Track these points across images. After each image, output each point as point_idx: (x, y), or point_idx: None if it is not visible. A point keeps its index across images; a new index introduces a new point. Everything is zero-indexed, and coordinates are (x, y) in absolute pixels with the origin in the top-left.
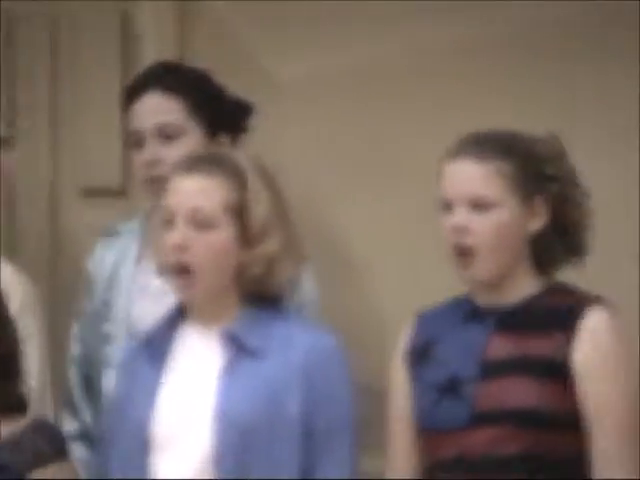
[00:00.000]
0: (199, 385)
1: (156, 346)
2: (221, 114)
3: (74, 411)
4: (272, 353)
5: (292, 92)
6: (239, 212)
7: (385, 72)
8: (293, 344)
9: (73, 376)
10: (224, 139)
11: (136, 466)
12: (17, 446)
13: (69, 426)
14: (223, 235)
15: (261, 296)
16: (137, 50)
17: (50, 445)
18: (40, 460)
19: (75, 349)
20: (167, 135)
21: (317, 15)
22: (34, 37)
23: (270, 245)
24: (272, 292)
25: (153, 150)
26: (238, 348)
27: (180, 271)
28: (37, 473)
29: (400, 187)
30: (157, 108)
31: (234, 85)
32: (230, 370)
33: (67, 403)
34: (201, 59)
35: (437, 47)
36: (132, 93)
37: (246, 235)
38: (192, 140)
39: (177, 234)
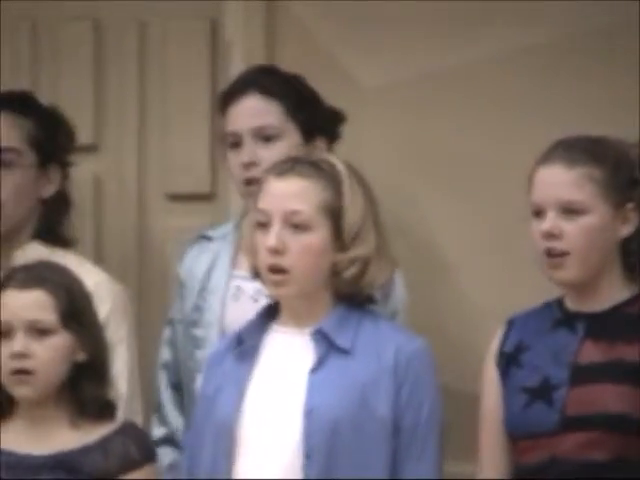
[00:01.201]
0: (289, 383)
1: (246, 345)
2: (317, 118)
3: (163, 416)
4: (362, 353)
5: (376, 97)
6: (334, 215)
7: (469, 76)
8: (383, 345)
9: (162, 381)
10: (320, 143)
11: (224, 464)
12: (106, 450)
13: (157, 431)
14: (318, 237)
15: (353, 298)
16: (226, 56)
17: (138, 449)
18: (128, 464)
19: (165, 354)
20: (265, 137)
21: (401, 20)
22: (123, 43)
23: (364, 248)
24: (364, 294)
25: (251, 151)
26: (328, 347)
27: (276, 271)
28: (125, 477)
29: (486, 190)
30: (256, 110)
31: (320, 90)
32: (320, 368)
33: (156, 408)
34: (288, 65)
35: (519, 52)
36: (230, 96)
37: (341, 238)
38: (290, 142)
39: (273, 237)
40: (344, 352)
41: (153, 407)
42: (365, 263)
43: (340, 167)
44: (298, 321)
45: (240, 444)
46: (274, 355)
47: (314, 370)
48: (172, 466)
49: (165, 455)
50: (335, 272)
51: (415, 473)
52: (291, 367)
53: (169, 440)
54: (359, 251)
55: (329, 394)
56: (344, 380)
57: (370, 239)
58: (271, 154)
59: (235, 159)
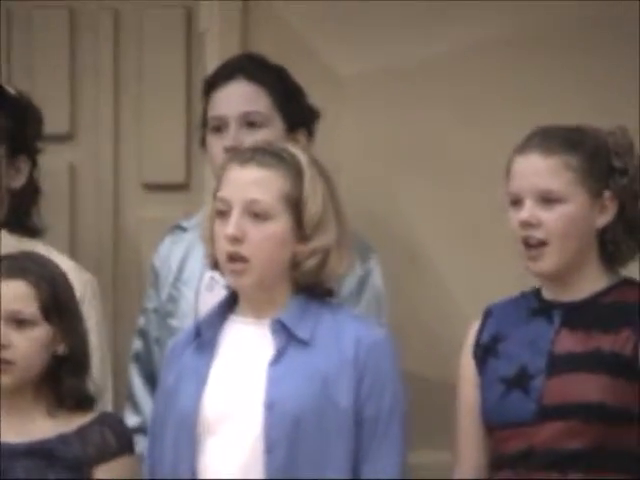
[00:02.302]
0: (249, 374)
1: (206, 335)
2: (301, 111)
3: (135, 405)
4: (322, 344)
5: (352, 87)
6: (295, 205)
7: (445, 68)
8: (343, 335)
9: (135, 371)
10: (301, 137)
11: (186, 457)
12: (84, 439)
13: (130, 420)
14: (279, 227)
15: (313, 289)
16: (201, 45)
17: (116, 439)
18: (106, 453)
19: (138, 344)
20: (252, 123)
21: (378, 13)
22: (98, 33)
23: (324, 239)
24: (323, 285)
25: (236, 136)
26: (288, 338)
27: (235, 260)
28: (103, 466)
29: (463, 181)
30: (244, 96)
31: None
32: (280, 359)
33: (129, 397)
34: (263, 54)
35: (497, 42)
36: (217, 80)
37: (301, 228)
38: (274, 132)
39: (233, 225)
40: (304, 343)
41: (126, 396)
42: (325, 254)
43: (301, 157)
44: (257, 312)
45: (202, 437)
46: (233, 347)
47: (274, 362)
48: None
49: (138, 444)
50: (295, 263)
51: (378, 465)
52: (250, 359)
53: (142, 429)
54: (319, 242)
55: (290, 386)
56: (305, 372)
57: (331, 230)
58: (255, 141)
59: (217, 143)
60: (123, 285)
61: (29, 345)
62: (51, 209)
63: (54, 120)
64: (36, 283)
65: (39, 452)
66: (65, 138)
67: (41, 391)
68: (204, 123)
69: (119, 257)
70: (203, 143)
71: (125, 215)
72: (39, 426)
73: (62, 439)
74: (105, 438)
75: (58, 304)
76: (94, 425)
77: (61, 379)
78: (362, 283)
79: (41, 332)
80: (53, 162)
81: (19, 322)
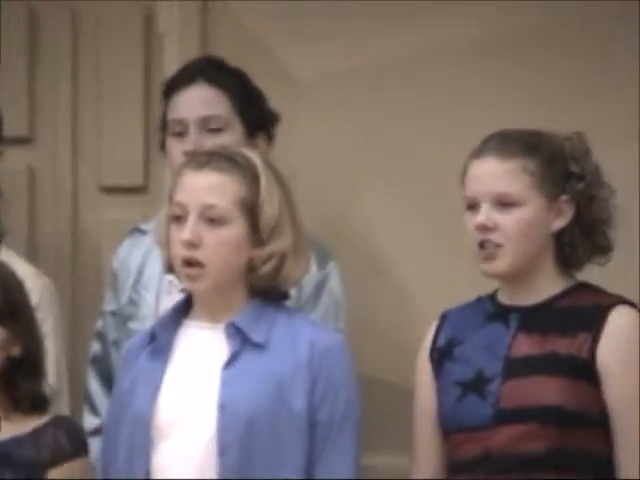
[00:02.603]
0: (203, 377)
1: (161, 339)
2: (261, 115)
3: (93, 407)
4: (277, 348)
5: (310, 90)
6: (251, 209)
7: (404, 71)
8: (297, 340)
9: (93, 373)
10: (261, 141)
11: (140, 460)
12: (37, 441)
13: (88, 422)
14: (234, 231)
15: (268, 293)
16: (160, 48)
17: (70, 441)
18: (59, 456)
19: (96, 347)
20: (212, 128)
21: (335, 14)
22: (56, 36)
23: (280, 243)
24: (279, 289)
25: (196, 141)
26: (242, 341)
27: (191, 264)
28: (56, 468)
29: (421, 185)
30: (204, 100)
31: None
32: (234, 363)
33: (87, 399)
34: (222, 57)
35: (456, 45)
36: (177, 83)
37: (257, 232)
38: (234, 136)
39: (188, 230)
40: (258, 347)
41: (85, 399)
42: (281, 259)
43: (257, 161)
44: (212, 316)
45: (156, 441)
46: (188, 350)
47: (227, 365)
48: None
49: (96, 446)
50: (251, 267)
51: (330, 468)
52: (205, 362)
53: (100, 431)
54: (275, 246)
55: (243, 389)
56: (259, 375)
57: (287, 234)
58: (214, 145)
59: (177, 147)
60: (82, 288)
61: None
62: (9, 212)
63: (12, 122)
64: None
65: None
66: (23, 141)
67: None
68: (163, 126)
69: (78, 260)
70: (162, 146)
71: (84, 218)
72: None
73: (16, 441)
74: (59, 440)
75: (11, 306)
76: (48, 427)
77: (16, 382)
78: (320, 288)
79: None
80: (11, 165)
81: None
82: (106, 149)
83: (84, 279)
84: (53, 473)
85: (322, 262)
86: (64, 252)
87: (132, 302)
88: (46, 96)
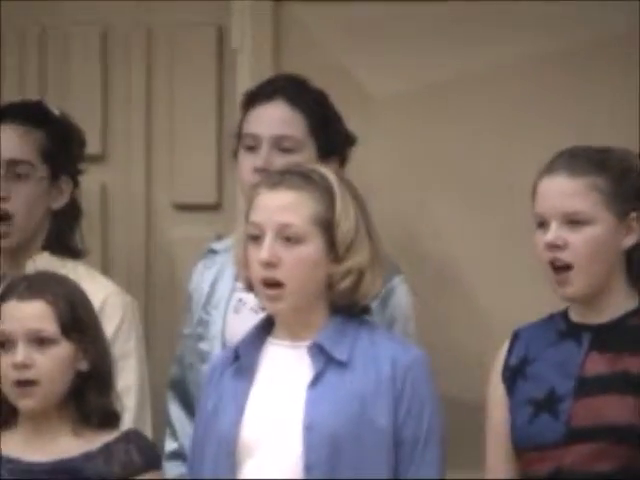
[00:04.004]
0: (288, 397)
1: (244, 359)
2: (336, 138)
3: (173, 431)
4: (359, 365)
5: (384, 107)
6: (327, 226)
7: (477, 87)
8: (380, 356)
9: (170, 398)
10: (333, 164)
11: (225, 475)
12: (109, 456)
13: (168, 446)
14: (312, 249)
15: (349, 309)
16: (233, 64)
17: (141, 456)
18: (131, 470)
19: (174, 370)
20: (284, 147)
21: (409, 32)
22: (130, 53)
23: (358, 259)
24: (359, 305)
25: (268, 158)
26: (326, 360)
27: (270, 285)
28: None
29: (493, 201)
30: (281, 118)
31: None
32: (318, 382)
33: (167, 423)
34: (295, 73)
35: (526, 61)
36: (257, 97)
37: (334, 249)
38: (305, 158)
39: (266, 250)
40: (342, 365)
41: (165, 422)
42: (360, 274)
43: (331, 178)
44: (294, 334)
45: (241, 460)
46: (272, 370)
47: (312, 384)
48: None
49: (173, 468)
50: (330, 284)
51: None
52: (289, 381)
53: (178, 455)
54: (353, 262)
55: (328, 408)
56: (342, 393)
57: (364, 250)
58: (285, 166)
59: (248, 161)
60: (155, 305)
61: (52, 364)
62: (83, 229)
63: (86, 140)
64: (54, 302)
65: (64, 471)
66: (97, 158)
67: (66, 410)
68: (239, 135)
69: (151, 277)
70: (235, 154)
71: (157, 235)
72: (64, 445)
73: (87, 457)
74: (130, 455)
75: (77, 321)
76: (119, 443)
77: (85, 397)
78: (384, 302)
79: (62, 351)
80: (85, 183)
81: (41, 341)
82: (179, 166)
83: (157, 297)
84: None
85: (386, 276)
86: (137, 270)
87: (202, 322)
88: (119, 114)
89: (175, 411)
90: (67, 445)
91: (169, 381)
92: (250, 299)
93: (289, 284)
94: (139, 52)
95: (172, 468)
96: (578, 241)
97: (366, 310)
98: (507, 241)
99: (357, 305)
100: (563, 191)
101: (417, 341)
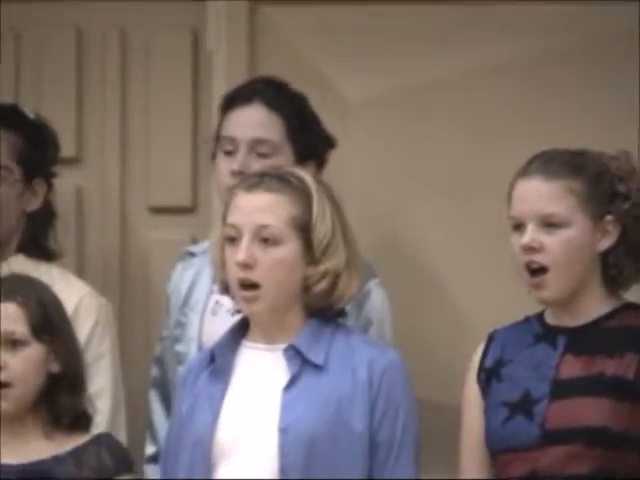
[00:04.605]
0: (263, 399)
1: (220, 361)
2: (313, 142)
3: (153, 434)
4: (335, 368)
5: (360, 110)
6: (304, 228)
7: (454, 91)
8: (355, 359)
9: (153, 399)
10: (311, 167)
11: (199, 477)
12: (80, 460)
13: (148, 450)
14: (289, 251)
15: (324, 312)
16: (208, 68)
17: (113, 459)
18: (102, 474)
19: (154, 371)
20: (262, 151)
21: (385, 34)
22: (104, 56)
23: (334, 261)
24: (335, 308)
25: (245, 161)
26: (302, 363)
27: (246, 286)
28: None
29: (470, 205)
30: (259, 122)
31: None
32: (294, 385)
33: (148, 425)
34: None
35: (505, 64)
36: (235, 100)
37: (311, 251)
38: (283, 161)
39: (243, 251)
40: (318, 368)
41: (142, 425)
42: (335, 277)
43: (309, 181)
44: (269, 337)
45: (216, 462)
46: (247, 372)
47: (288, 387)
48: None
49: (153, 473)
50: (306, 286)
51: None
52: (265, 384)
53: (157, 458)
54: (329, 265)
55: (304, 411)
56: (318, 396)
57: (340, 252)
58: (262, 169)
59: (225, 164)
60: (130, 308)
61: (23, 366)
62: (58, 232)
63: (61, 143)
64: (25, 304)
65: (34, 473)
66: (72, 161)
67: (37, 412)
68: (217, 138)
69: (125, 280)
70: (213, 157)
71: (132, 238)
72: (35, 447)
73: (57, 460)
74: (102, 459)
75: (48, 323)
76: (90, 446)
77: (56, 398)
78: (359, 306)
79: (34, 352)
80: (60, 185)
81: (12, 344)
82: (154, 169)
83: (132, 299)
84: None
85: (362, 280)
86: (112, 272)
87: (179, 324)
88: (94, 116)
89: (157, 412)
90: (38, 448)
91: (152, 381)
92: (227, 301)
93: (265, 285)
94: (114, 54)
95: (151, 472)
96: (554, 244)
97: (341, 313)
98: (485, 244)
99: (333, 308)
100: (539, 194)
101: (393, 344)
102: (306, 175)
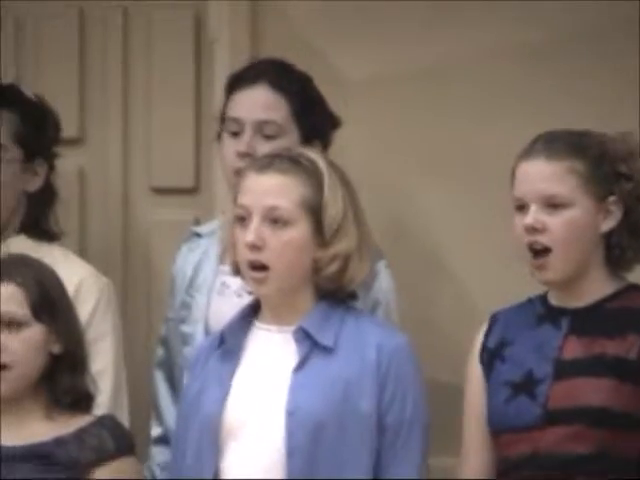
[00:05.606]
0: (272, 381)
1: (230, 342)
2: (319, 123)
3: (159, 415)
4: (344, 350)
5: (362, 92)
6: (315, 210)
7: (456, 71)
8: (365, 342)
9: (158, 380)
10: (317, 147)
11: (208, 462)
12: (81, 441)
13: (154, 431)
14: (299, 233)
15: (335, 294)
16: (210, 50)
17: (114, 441)
18: (103, 456)
19: (160, 352)
20: (267, 132)
21: (387, 15)
22: (107, 37)
23: (345, 244)
24: (345, 290)
25: (250, 142)
26: (311, 345)
27: (256, 268)
28: (101, 468)
29: (474, 184)
30: (265, 103)
31: None
32: (303, 367)
33: (153, 406)
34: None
35: (509, 46)
36: (241, 81)
37: (321, 233)
38: (289, 142)
39: (252, 232)
40: (327, 350)
41: (144, 405)
42: (346, 259)
43: (320, 163)
44: (280, 319)
45: (224, 443)
46: (257, 354)
47: (297, 369)
48: (166, 465)
49: (160, 454)
50: (316, 269)
51: (399, 470)
52: (274, 366)
53: (163, 439)
54: (340, 247)
55: (312, 393)
56: (327, 378)
57: (351, 235)
58: (268, 150)
59: (231, 146)
60: (132, 288)
61: (24, 347)
62: (60, 213)
63: (63, 124)
64: (24, 284)
65: (36, 455)
66: (74, 141)
67: (39, 393)
68: (222, 119)
69: (128, 261)
70: (219, 137)
71: (134, 219)
72: (36, 429)
73: (59, 442)
74: (103, 440)
75: (48, 303)
76: (92, 427)
77: (57, 379)
78: (367, 287)
79: (34, 333)
80: (62, 166)
81: (12, 325)
82: (157, 150)
83: (134, 280)
84: (98, 474)
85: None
86: (114, 253)
87: (185, 305)
88: (97, 97)
89: (162, 393)
90: (40, 429)
91: (157, 362)
92: (234, 282)
93: (274, 267)
94: (116, 37)
95: (157, 454)
96: (557, 224)
97: (352, 296)
98: (491, 225)
99: (343, 290)
100: (541, 174)
101: (400, 325)
102: (318, 157)
